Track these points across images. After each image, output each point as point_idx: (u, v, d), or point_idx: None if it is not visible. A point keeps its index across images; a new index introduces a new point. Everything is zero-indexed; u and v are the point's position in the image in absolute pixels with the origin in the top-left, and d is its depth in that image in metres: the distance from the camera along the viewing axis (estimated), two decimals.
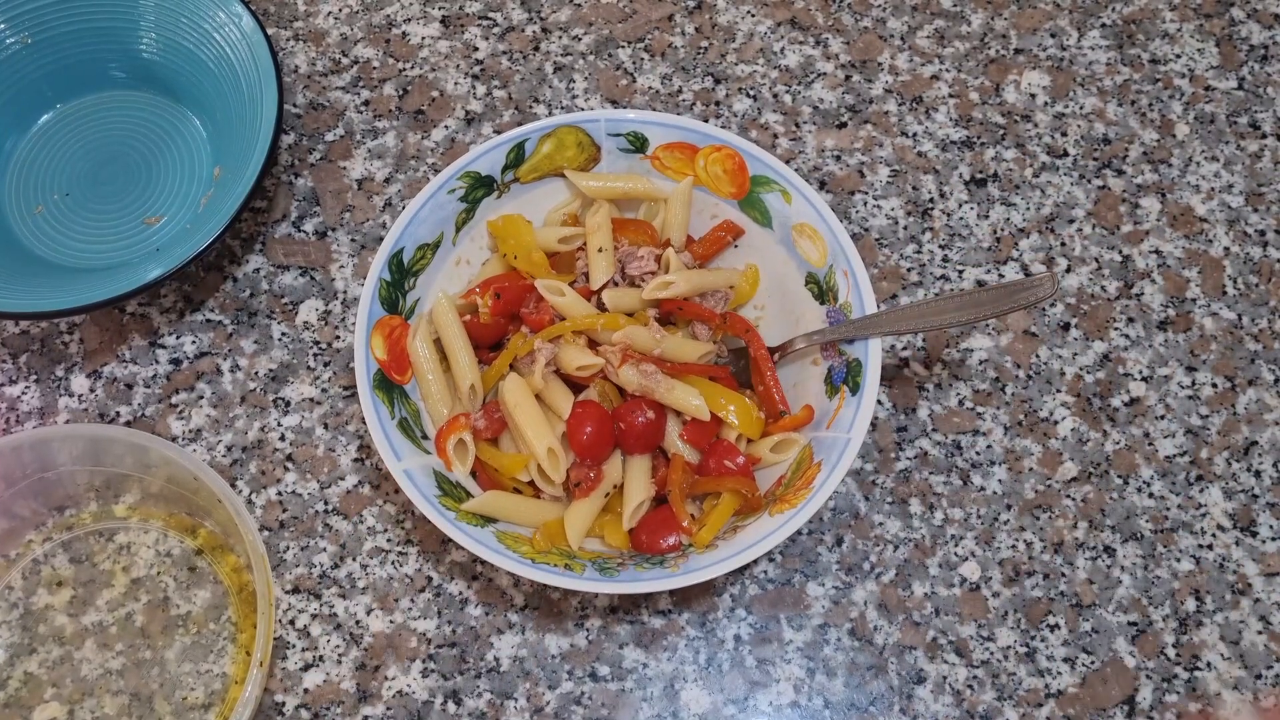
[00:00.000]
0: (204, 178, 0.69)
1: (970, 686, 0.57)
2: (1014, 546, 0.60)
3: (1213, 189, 0.70)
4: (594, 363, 0.56)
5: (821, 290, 0.59)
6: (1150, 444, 0.63)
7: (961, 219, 0.68)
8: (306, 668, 0.57)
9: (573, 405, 0.56)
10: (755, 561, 0.59)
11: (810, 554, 0.60)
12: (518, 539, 0.54)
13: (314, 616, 0.58)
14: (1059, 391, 0.64)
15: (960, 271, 0.67)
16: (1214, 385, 0.64)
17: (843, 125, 0.71)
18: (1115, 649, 0.58)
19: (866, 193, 0.69)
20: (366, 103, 0.72)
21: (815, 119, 0.71)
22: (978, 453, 0.62)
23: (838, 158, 0.70)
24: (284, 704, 0.57)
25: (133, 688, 0.56)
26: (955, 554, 0.60)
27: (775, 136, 0.71)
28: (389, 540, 0.60)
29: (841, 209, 0.69)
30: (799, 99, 0.72)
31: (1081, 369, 0.65)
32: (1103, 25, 0.75)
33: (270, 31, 0.74)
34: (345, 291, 0.67)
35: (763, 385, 0.59)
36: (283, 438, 0.62)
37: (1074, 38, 0.74)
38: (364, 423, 0.60)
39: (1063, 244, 0.68)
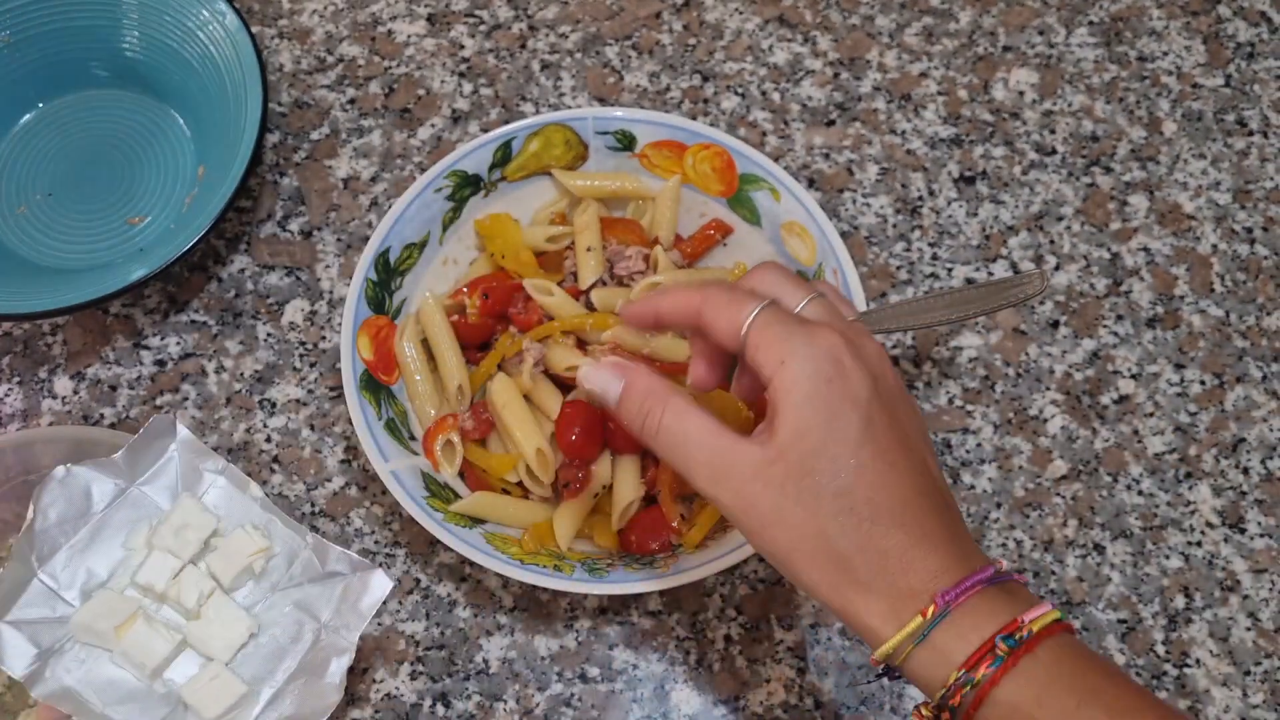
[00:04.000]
0: (188, 177, 0.68)
1: None
2: (1004, 544, 0.60)
3: (1200, 186, 0.70)
4: (583, 363, 0.56)
5: None
6: (1139, 441, 0.63)
7: (950, 217, 0.68)
8: None
9: (561, 405, 0.56)
10: (745, 561, 0.59)
11: None
12: (506, 540, 0.54)
13: None
14: (1048, 389, 0.64)
15: (949, 269, 0.67)
16: (1202, 383, 0.64)
17: (831, 123, 0.71)
18: (1105, 646, 0.58)
19: (855, 191, 0.69)
20: (352, 101, 0.72)
21: (804, 117, 0.71)
22: (967, 451, 0.62)
23: (826, 155, 0.70)
24: None
25: None
26: None
27: (764, 134, 0.71)
28: (376, 542, 0.59)
29: (830, 207, 0.68)
30: (787, 97, 0.72)
31: (1071, 367, 0.65)
32: (1090, 23, 0.75)
33: (254, 29, 0.73)
34: (331, 292, 0.66)
35: None
36: (269, 439, 0.62)
37: (1062, 35, 0.74)
38: (351, 424, 0.59)
39: (1051, 241, 0.68)
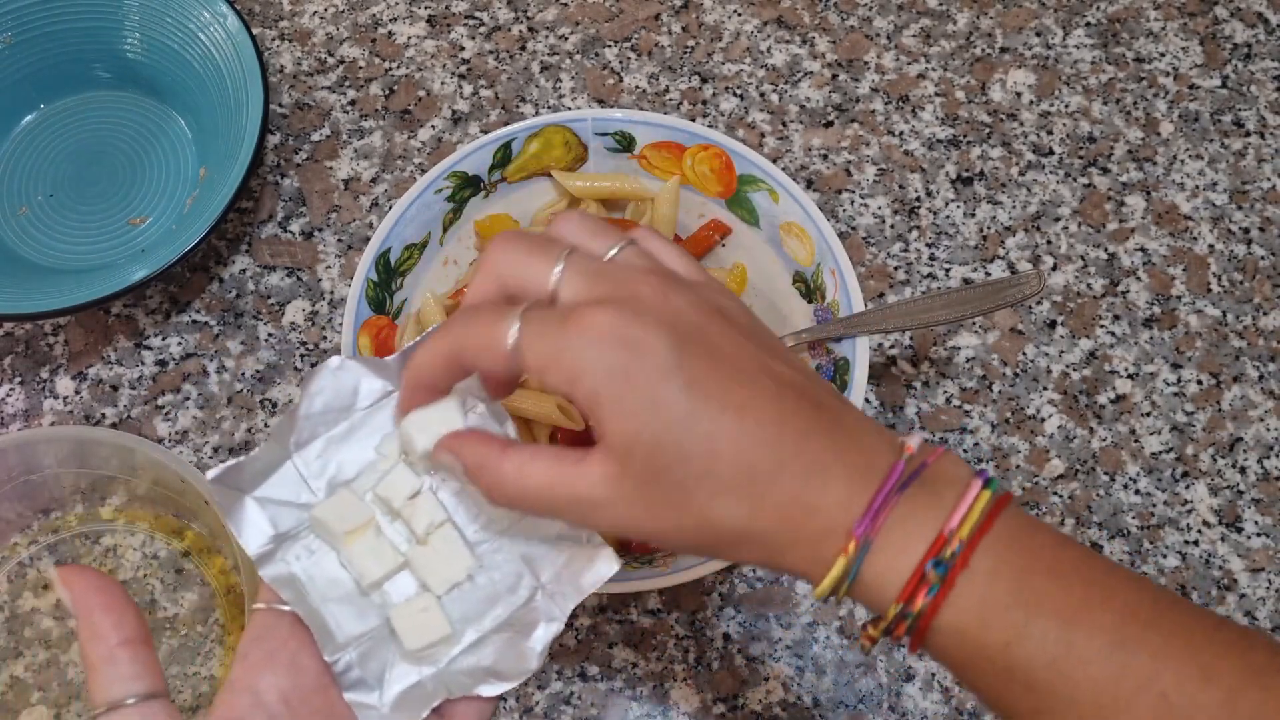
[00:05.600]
0: (189, 178, 0.68)
1: (958, 684, 0.57)
2: None
3: (1197, 187, 0.70)
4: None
5: (809, 289, 0.59)
6: (1136, 441, 0.63)
7: (948, 217, 0.69)
8: None
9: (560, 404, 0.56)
10: None
11: None
12: None
13: None
14: (1045, 389, 0.64)
15: (947, 270, 0.67)
16: (1199, 382, 0.65)
17: (829, 124, 0.71)
18: None
19: (853, 191, 0.69)
20: (353, 102, 0.72)
21: (802, 118, 0.71)
22: (965, 450, 0.63)
23: (824, 156, 0.70)
24: None
25: None
26: None
27: (762, 135, 0.71)
28: None
29: (828, 208, 0.69)
30: (786, 98, 0.72)
31: (1068, 366, 0.65)
32: (1087, 24, 0.75)
33: (255, 31, 0.74)
34: (332, 292, 0.66)
35: None
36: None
37: (1059, 36, 0.75)
38: None
39: (1049, 242, 0.68)
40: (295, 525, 0.39)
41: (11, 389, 0.64)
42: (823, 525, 0.34)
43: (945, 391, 0.64)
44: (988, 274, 0.67)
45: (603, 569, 0.38)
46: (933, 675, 0.57)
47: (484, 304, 0.37)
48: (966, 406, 0.64)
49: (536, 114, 0.72)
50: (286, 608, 0.37)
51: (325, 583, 0.38)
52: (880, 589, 0.34)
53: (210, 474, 0.37)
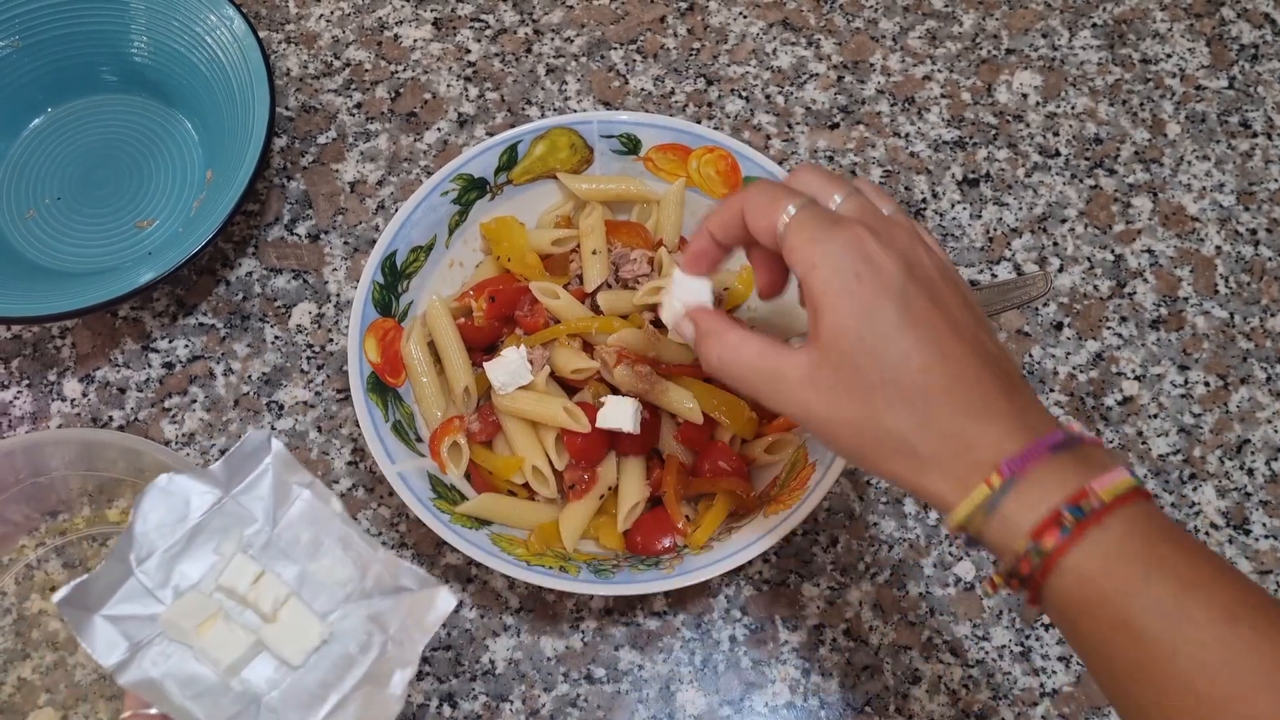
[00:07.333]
0: (196, 181, 0.68)
1: (965, 686, 0.57)
2: None
3: (1204, 188, 0.70)
4: (589, 366, 0.56)
5: None
6: (1143, 443, 0.63)
7: (954, 219, 0.69)
8: None
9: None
10: (750, 562, 0.59)
11: (805, 554, 0.60)
12: (513, 541, 0.54)
13: None
14: (1052, 391, 0.64)
15: None
16: (1206, 384, 0.64)
17: (835, 126, 0.71)
18: None
19: None
20: (359, 105, 0.72)
21: (808, 120, 0.71)
22: None
23: (830, 158, 0.70)
24: None
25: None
26: (950, 553, 0.60)
27: (768, 137, 0.71)
28: (384, 543, 0.60)
29: None
30: (791, 100, 0.72)
31: (1075, 368, 0.65)
32: (1094, 25, 0.75)
33: (262, 34, 0.74)
34: (338, 294, 0.66)
35: None
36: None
37: (1065, 38, 0.74)
38: (358, 426, 0.60)
39: (1055, 243, 0.68)
40: (148, 634, 0.42)
41: (19, 391, 0.64)
42: (975, 457, 0.39)
43: None
44: (994, 275, 0.67)
45: (442, 606, 0.42)
46: (939, 678, 0.57)
47: (767, 185, 0.43)
48: None
49: (542, 116, 0.72)
50: (153, 710, 0.39)
51: (185, 680, 0.41)
52: (1013, 525, 0.38)
53: (56, 596, 0.40)
